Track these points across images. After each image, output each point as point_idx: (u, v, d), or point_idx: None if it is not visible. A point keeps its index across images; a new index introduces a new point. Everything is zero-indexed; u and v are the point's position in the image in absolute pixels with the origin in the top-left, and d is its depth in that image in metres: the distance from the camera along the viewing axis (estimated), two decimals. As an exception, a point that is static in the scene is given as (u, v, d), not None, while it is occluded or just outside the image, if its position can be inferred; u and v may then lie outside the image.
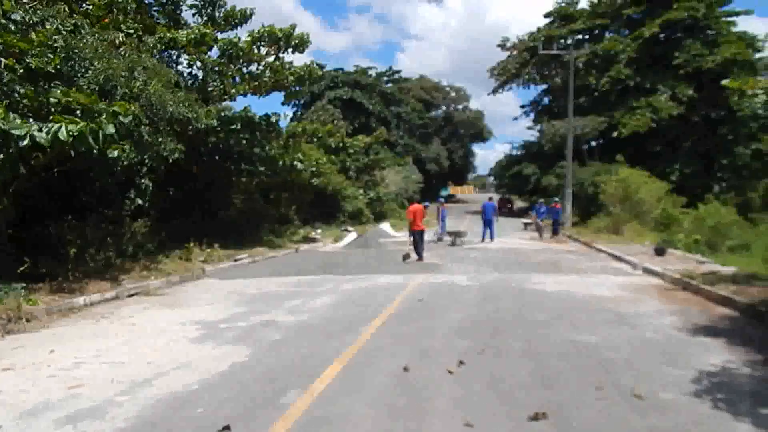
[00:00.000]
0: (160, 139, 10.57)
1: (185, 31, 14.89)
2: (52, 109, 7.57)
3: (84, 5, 12.40)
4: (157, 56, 14.16)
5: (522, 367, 4.89)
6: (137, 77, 10.08)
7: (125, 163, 9.63)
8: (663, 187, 22.46)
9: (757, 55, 30.86)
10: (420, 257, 13.81)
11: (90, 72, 8.87)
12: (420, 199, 21.53)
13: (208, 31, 14.89)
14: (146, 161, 10.85)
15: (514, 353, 5.35)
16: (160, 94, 10.52)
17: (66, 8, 9.73)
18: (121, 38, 11.52)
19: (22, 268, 8.95)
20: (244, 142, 15.32)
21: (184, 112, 11.39)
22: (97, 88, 8.92)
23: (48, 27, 8.50)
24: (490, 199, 22.19)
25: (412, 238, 14.01)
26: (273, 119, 16.04)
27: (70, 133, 7.19)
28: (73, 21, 9.34)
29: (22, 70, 7.70)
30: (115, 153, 9.17)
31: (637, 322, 6.74)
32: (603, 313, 7.27)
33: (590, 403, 4.04)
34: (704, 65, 29.43)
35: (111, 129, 7.82)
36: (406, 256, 13.75)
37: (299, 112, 40.38)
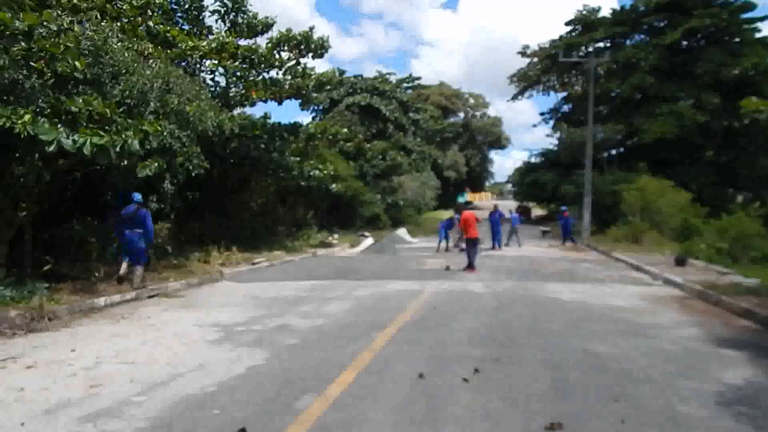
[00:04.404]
0: (188, 152, 10.76)
1: (206, 41, 15.11)
2: (78, 118, 7.72)
3: (118, 4, 12.66)
4: (183, 63, 14.37)
5: (537, 377, 4.86)
6: (172, 93, 10.25)
7: (152, 174, 9.89)
8: (684, 197, 22.15)
9: None
10: (472, 266, 13.29)
11: (122, 84, 9.05)
12: (436, 206, 21.55)
13: (229, 40, 15.08)
14: (176, 173, 11.06)
15: (529, 363, 5.32)
16: (201, 113, 10.70)
17: (97, 15, 9.93)
18: (150, 49, 11.72)
19: (45, 268, 9.16)
20: (263, 146, 15.49)
21: (214, 124, 11.59)
22: (132, 103, 9.11)
23: (77, 30, 8.69)
24: (495, 207, 22.12)
25: (455, 246, 13.72)
26: (298, 128, 16.31)
27: (94, 146, 7.35)
28: (107, 29, 9.53)
29: (50, 74, 7.88)
30: (145, 172, 9.41)
31: (656, 334, 6.65)
32: (620, 324, 7.19)
33: (606, 415, 4.00)
34: (726, 73, 28.99)
35: (136, 145, 7.97)
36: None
37: (318, 118, 40.63)
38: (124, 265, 9.44)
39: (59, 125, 7.41)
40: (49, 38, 7.94)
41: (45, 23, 7.99)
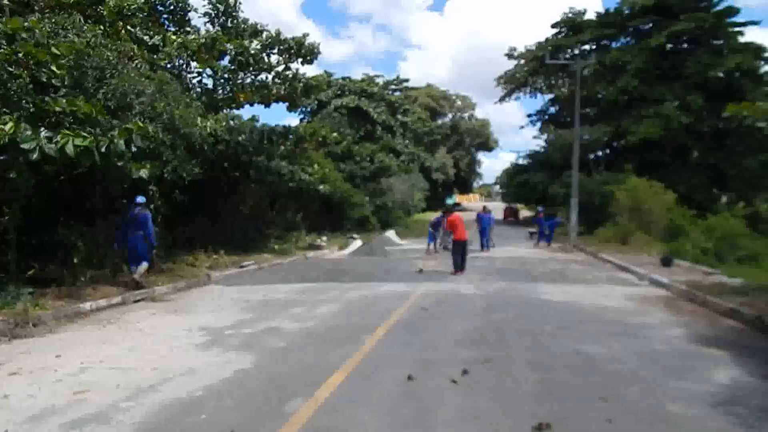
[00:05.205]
0: (178, 158, 10.70)
1: (194, 36, 15.01)
2: (62, 119, 7.62)
3: (99, 8, 12.52)
4: (169, 65, 14.25)
5: (526, 378, 4.88)
6: (158, 96, 10.16)
7: (146, 178, 9.79)
8: (672, 197, 22.39)
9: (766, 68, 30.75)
10: (462, 269, 13.05)
11: (105, 87, 8.95)
12: (425, 208, 21.55)
13: (219, 36, 14.99)
14: (166, 176, 10.98)
15: (518, 363, 5.34)
16: (187, 118, 10.64)
17: (80, 18, 9.82)
18: (135, 50, 11.62)
19: (29, 273, 9.03)
20: (251, 150, 15.40)
21: (199, 128, 11.53)
22: (113, 105, 9.01)
23: (72, 38, 8.60)
24: (484, 208, 22.15)
25: (441, 248, 13.73)
26: (290, 134, 16.28)
27: (77, 148, 7.25)
28: (91, 33, 9.43)
29: (29, 80, 7.77)
30: (141, 173, 9.27)
31: (644, 334, 6.70)
32: (609, 324, 7.23)
33: (595, 415, 4.02)
34: (711, 74, 29.35)
35: (122, 145, 7.89)
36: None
37: (306, 120, 40.52)
38: (133, 269, 9.75)
39: (42, 129, 7.30)
40: (35, 44, 7.84)
41: (30, 28, 7.90)
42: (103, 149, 7.61)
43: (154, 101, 10.00)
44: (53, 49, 8.02)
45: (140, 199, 9.91)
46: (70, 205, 10.93)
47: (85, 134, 7.44)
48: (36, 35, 8.14)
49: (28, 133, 7.10)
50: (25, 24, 8.03)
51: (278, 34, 16.61)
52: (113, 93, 9.04)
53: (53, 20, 9.38)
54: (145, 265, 9.80)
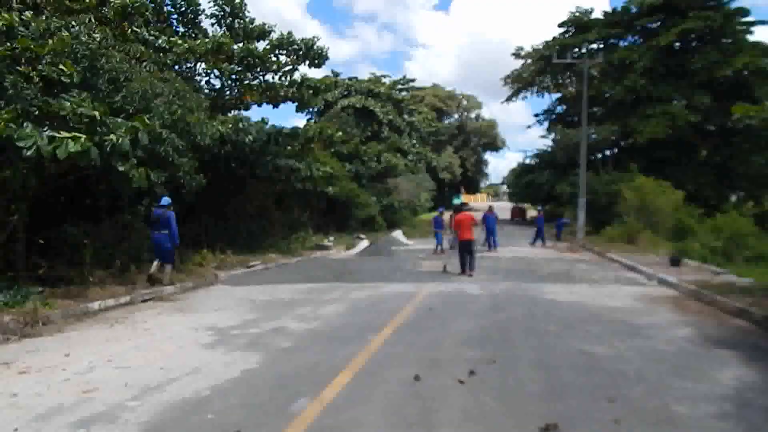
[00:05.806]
0: (187, 166, 10.77)
1: (200, 41, 15.05)
2: (69, 121, 7.63)
3: (104, 10, 12.59)
4: (176, 67, 14.30)
5: (533, 378, 4.87)
6: (172, 99, 10.19)
7: (157, 182, 9.78)
8: (679, 196, 22.25)
9: None
10: (470, 269, 12.74)
11: (124, 90, 8.96)
12: (432, 207, 21.47)
13: (225, 40, 15.01)
14: (178, 184, 11.05)
15: (524, 364, 5.33)
16: (202, 124, 10.73)
17: (92, 18, 9.85)
18: (142, 50, 11.66)
19: (39, 272, 9.11)
20: (258, 150, 15.44)
21: (210, 132, 11.58)
22: (132, 108, 9.02)
23: (66, 35, 8.60)
24: (490, 208, 22.06)
25: (450, 248, 13.83)
26: (297, 131, 16.29)
27: (70, 150, 7.15)
28: (101, 35, 9.44)
29: (37, 79, 7.79)
30: (139, 183, 9.12)
31: (650, 334, 6.67)
32: (615, 324, 7.21)
33: (601, 415, 4.01)
34: (718, 73, 29.15)
35: (127, 144, 7.83)
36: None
37: (313, 120, 40.58)
38: (154, 265, 10.15)
39: (46, 128, 7.28)
40: (36, 39, 7.86)
41: (27, 23, 7.91)
42: (108, 149, 7.57)
43: (171, 105, 10.02)
44: (50, 43, 7.99)
45: (165, 200, 10.36)
46: (77, 206, 11.01)
47: (79, 135, 7.34)
48: (32, 27, 8.14)
49: (28, 129, 7.06)
50: (22, 17, 8.04)
51: (290, 34, 16.61)
52: (132, 97, 9.05)
53: (63, 20, 9.43)
54: (169, 267, 10.27)
